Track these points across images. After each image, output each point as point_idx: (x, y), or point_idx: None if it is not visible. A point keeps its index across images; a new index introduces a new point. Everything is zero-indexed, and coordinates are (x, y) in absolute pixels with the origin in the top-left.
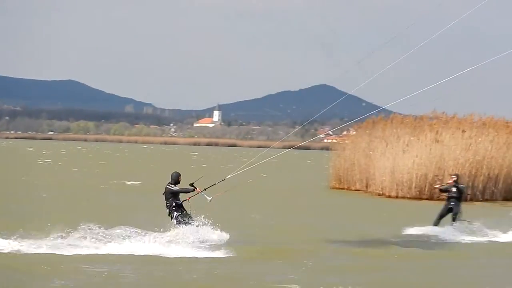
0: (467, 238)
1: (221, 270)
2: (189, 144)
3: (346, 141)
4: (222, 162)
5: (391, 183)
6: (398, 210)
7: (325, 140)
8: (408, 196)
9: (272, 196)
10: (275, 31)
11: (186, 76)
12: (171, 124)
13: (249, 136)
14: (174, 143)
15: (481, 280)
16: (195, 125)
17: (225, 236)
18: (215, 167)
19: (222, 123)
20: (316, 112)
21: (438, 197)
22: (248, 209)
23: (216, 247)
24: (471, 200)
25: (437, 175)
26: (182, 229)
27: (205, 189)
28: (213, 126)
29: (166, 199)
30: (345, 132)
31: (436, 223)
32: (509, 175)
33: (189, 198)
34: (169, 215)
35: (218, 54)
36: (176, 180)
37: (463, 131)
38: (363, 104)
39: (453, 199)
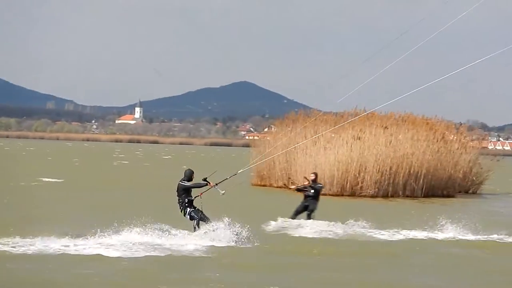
0: (383, 235)
1: (139, 269)
2: (111, 141)
3: (267, 138)
4: (143, 159)
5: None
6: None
7: (247, 137)
8: (330, 193)
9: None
10: (195, 28)
11: (108, 73)
12: (93, 121)
13: (171, 133)
14: (96, 140)
15: (399, 277)
16: (116, 122)
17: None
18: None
19: (143, 120)
20: (237, 108)
21: (360, 193)
22: (169, 206)
23: (135, 246)
24: (392, 196)
25: (304, 177)
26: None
27: (216, 184)
28: (134, 123)
29: (179, 195)
30: (266, 129)
31: (293, 218)
32: (429, 171)
33: (201, 193)
34: (181, 211)
35: (139, 50)
36: (189, 177)
37: (386, 127)
38: (285, 101)
39: (310, 197)
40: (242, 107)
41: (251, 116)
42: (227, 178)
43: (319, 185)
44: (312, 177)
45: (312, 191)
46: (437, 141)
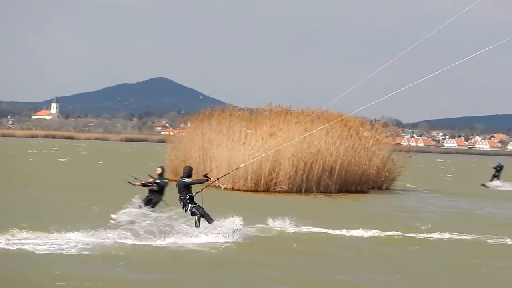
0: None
1: (58, 267)
2: (27, 137)
3: (183, 134)
4: (60, 154)
5: (227, 176)
6: (232, 202)
7: (163, 133)
8: (244, 188)
9: (99, 189)
10: (112, 23)
11: (24, 68)
12: (9, 117)
13: (87, 128)
14: (11, 136)
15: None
16: (33, 117)
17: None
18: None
19: (59, 116)
20: (153, 104)
21: (274, 189)
22: (78, 200)
23: (50, 240)
24: (306, 192)
25: (148, 175)
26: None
27: (217, 179)
28: (50, 119)
29: (180, 192)
30: (182, 125)
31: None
32: (343, 167)
33: (202, 189)
34: (183, 207)
35: (55, 45)
36: (188, 173)
37: (300, 123)
38: (201, 97)
39: (155, 192)
40: (158, 103)
41: (167, 112)
42: (228, 173)
43: (165, 181)
44: (159, 171)
45: (157, 187)
46: (351, 137)
